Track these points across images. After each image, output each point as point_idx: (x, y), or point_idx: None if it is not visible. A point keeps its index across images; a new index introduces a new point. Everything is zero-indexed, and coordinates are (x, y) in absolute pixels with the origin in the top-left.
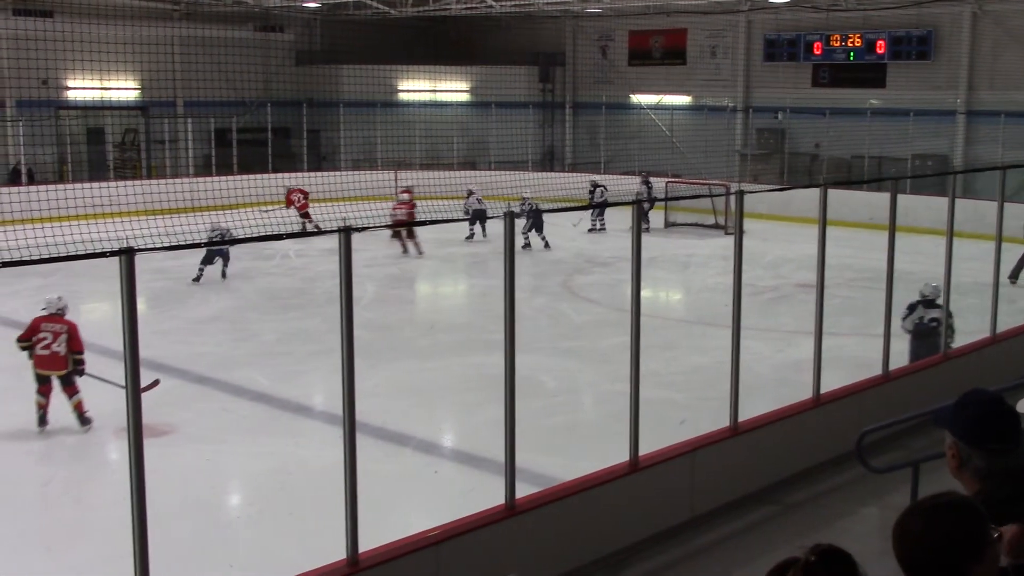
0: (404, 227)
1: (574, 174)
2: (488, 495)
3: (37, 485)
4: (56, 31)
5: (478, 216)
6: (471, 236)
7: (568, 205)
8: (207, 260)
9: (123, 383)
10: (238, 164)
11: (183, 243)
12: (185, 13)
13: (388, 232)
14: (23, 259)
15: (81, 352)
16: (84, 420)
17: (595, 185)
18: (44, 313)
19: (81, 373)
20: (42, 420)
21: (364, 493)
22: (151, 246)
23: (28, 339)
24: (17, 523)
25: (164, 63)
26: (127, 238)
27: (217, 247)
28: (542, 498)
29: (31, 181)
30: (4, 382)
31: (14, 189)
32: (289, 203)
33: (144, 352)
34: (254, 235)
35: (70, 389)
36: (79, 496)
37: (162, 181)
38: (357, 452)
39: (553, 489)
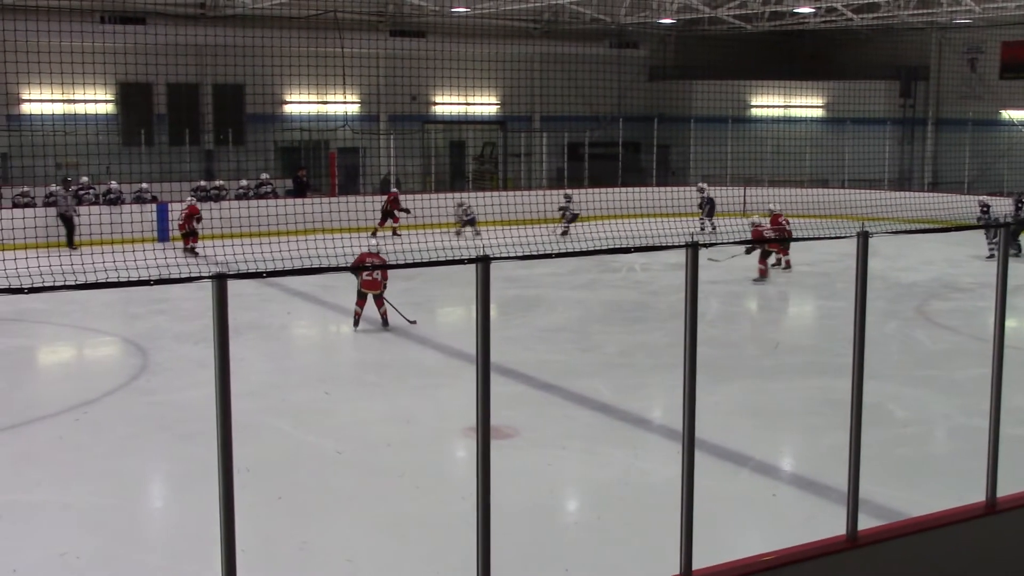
0: (764, 243)
1: (933, 194)
2: (827, 524)
3: (395, 476)
4: (426, 50)
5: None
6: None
7: (928, 226)
8: None
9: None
10: (589, 178)
11: (535, 253)
12: (544, 31)
13: (743, 248)
14: (389, 263)
15: (386, 280)
16: (385, 322)
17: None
18: (368, 251)
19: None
20: (356, 323)
21: (700, 510)
22: (506, 255)
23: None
24: (376, 509)
25: (523, 79)
26: (483, 246)
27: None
28: (887, 532)
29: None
30: (371, 378)
31: (383, 197)
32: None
33: (493, 357)
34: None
35: (379, 301)
36: (428, 488)
37: (517, 193)
38: (695, 469)
39: (899, 524)
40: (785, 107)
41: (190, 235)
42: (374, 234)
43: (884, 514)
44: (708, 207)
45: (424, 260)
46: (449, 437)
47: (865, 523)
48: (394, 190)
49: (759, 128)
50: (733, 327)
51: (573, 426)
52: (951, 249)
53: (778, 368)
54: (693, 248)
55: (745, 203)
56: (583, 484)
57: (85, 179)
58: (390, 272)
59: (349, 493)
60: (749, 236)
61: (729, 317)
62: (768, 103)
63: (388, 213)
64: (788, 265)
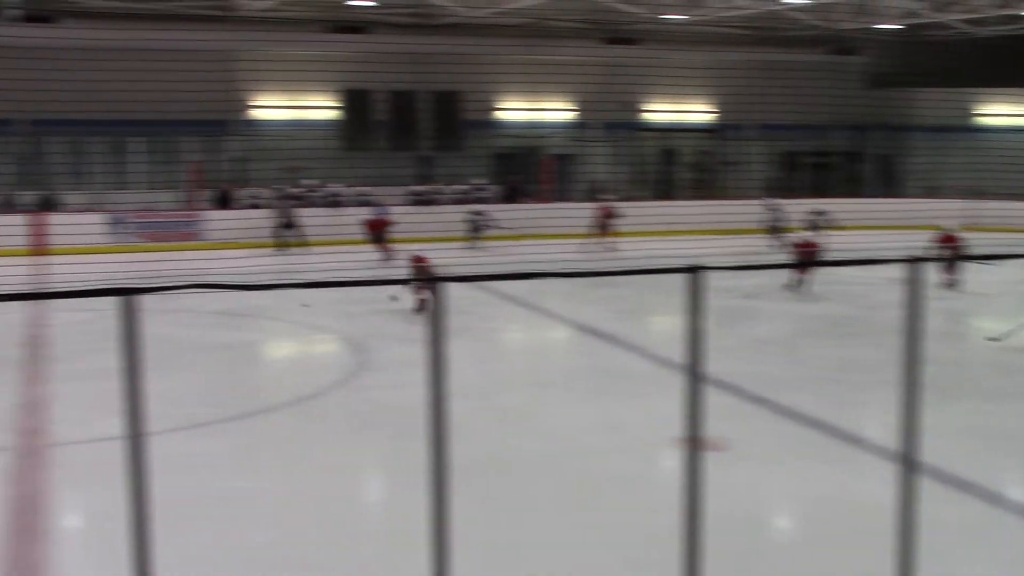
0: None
1: None
2: None
3: (602, 483)
4: (639, 58)
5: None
6: None
7: None
8: None
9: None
10: (806, 187)
11: (750, 264)
12: (759, 38)
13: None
14: (598, 271)
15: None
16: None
17: None
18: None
19: None
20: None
21: (918, 536)
22: (719, 265)
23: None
24: (582, 517)
25: (737, 87)
26: (696, 256)
27: None
28: None
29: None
30: (579, 383)
31: (594, 204)
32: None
33: (706, 367)
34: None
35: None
36: (634, 498)
37: (731, 202)
38: (915, 492)
39: None
40: (1017, 116)
41: (378, 240)
42: (594, 241)
43: None
44: (776, 223)
45: (634, 268)
46: (657, 446)
47: None
48: (609, 201)
49: (986, 138)
50: (955, 345)
51: (784, 441)
52: None
53: (1007, 389)
54: (914, 263)
55: (966, 217)
56: (793, 501)
57: (310, 182)
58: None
59: (555, 498)
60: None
61: (951, 334)
62: (998, 111)
63: (603, 225)
64: (951, 284)
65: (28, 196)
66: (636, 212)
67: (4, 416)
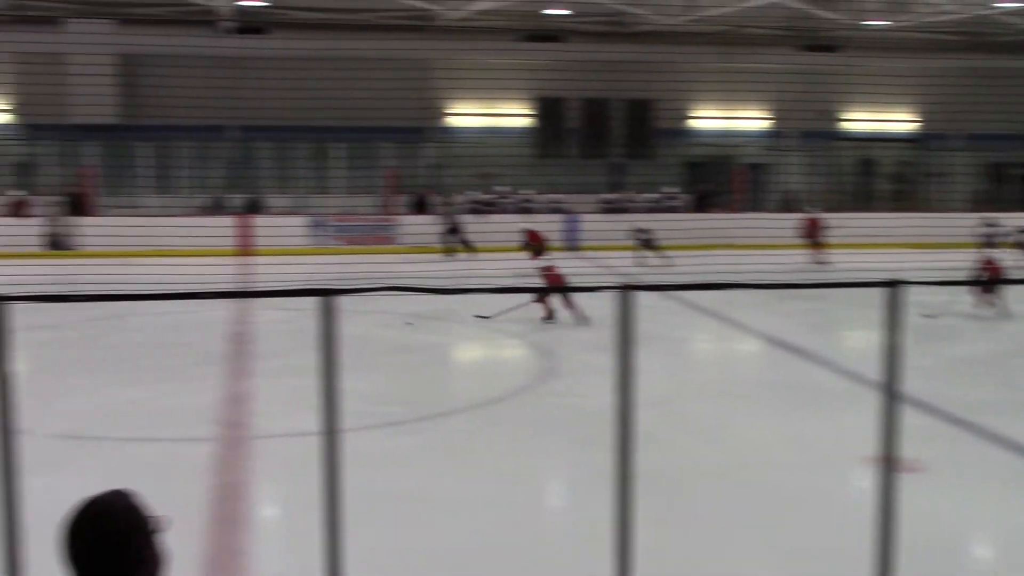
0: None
1: None
2: None
3: (790, 500)
4: (839, 65)
5: None
6: None
7: None
8: None
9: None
10: (1015, 200)
11: (950, 279)
12: (968, 44)
13: None
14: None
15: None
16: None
17: None
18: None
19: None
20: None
21: None
22: (920, 280)
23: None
24: (768, 534)
25: (943, 95)
26: (894, 270)
27: None
28: None
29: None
30: (767, 396)
31: (791, 215)
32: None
33: (900, 386)
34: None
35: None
36: (823, 518)
37: (933, 214)
38: None
39: None
40: None
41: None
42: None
43: None
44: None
45: (830, 281)
46: (848, 463)
47: None
48: (813, 212)
49: None
50: None
51: (988, 466)
52: None
53: None
54: None
55: None
56: (995, 530)
57: (502, 188)
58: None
59: (740, 512)
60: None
61: None
62: None
63: (811, 237)
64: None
65: (236, 199)
66: (833, 224)
67: (209, 409)
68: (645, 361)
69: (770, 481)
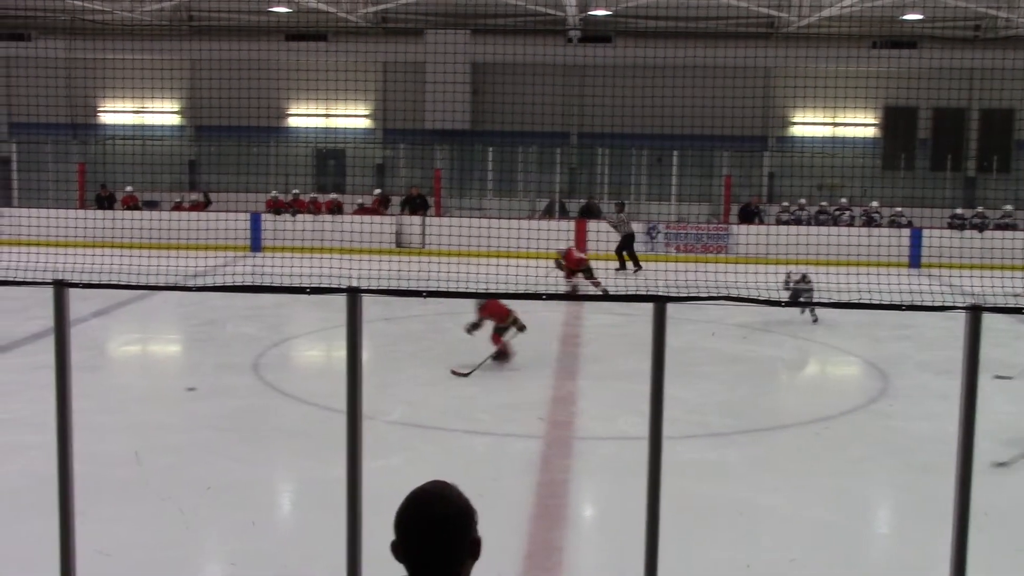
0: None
1: None
2: None
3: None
4: None
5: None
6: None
7: None
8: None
9: None
10: None
11: None
12: None
13: None
14: None
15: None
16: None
17: None
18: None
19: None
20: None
21: None
22: None
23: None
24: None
25: None
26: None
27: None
28: None
29: None
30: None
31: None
32: None
33: None
34: None
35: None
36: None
37: None
38: None
39: None
40: None
41: None
42: None
43: None
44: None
45: None
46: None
47: None
48: None
49: None
50: None
51: None
52: None
53: None
54: None
55: None
56: None
57: (844, 200)
58: None
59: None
60: None
61: None
62: None
63: None
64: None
65: (573, 203)
66: None
67: (538, 407)
68: (986, 388)
69: None
